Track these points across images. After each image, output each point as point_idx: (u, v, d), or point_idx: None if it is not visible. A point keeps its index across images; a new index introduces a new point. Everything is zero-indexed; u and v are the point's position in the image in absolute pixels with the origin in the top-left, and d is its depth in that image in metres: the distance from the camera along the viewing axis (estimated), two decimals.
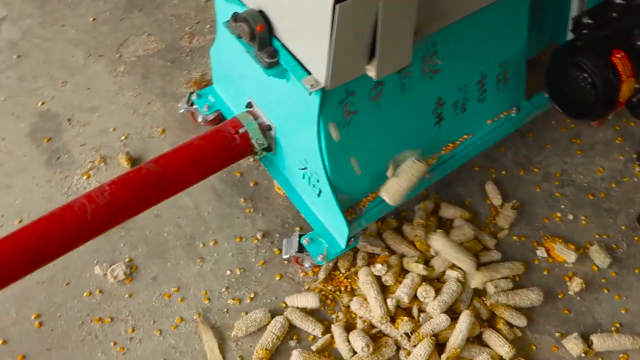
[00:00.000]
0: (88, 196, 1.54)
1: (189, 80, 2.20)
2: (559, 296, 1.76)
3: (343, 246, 1.64)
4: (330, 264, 1.73)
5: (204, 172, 1.65)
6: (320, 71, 1.33)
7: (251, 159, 1.80)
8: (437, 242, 1.70)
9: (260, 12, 1.45)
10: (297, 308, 1.69)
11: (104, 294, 1.72)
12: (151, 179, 1.57)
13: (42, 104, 2.14)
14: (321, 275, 1.74)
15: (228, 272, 1.75)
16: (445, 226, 1.85)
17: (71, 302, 1.71)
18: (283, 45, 1.44)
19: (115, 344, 1.65)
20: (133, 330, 1.67)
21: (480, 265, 1.73)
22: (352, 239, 1.65)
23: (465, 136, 1.81)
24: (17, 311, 1.69)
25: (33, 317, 1.69)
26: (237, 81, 1.78)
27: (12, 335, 1.66)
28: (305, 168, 1.62)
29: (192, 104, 1.96)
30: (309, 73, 1.39)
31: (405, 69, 1.51)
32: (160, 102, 2.13)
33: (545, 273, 1.80)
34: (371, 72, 1.36)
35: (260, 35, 1.43)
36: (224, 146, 1.66)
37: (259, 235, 1.81)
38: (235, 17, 1.47)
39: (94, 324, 1.68)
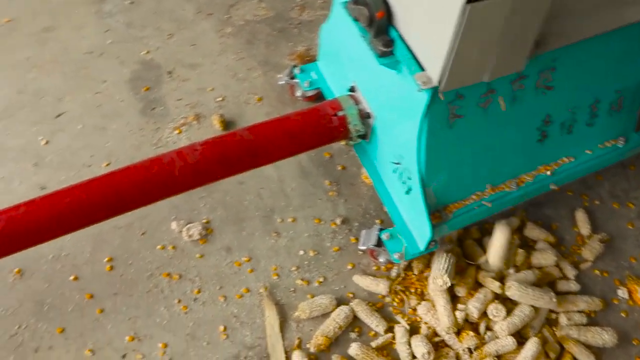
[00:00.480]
0: (179, 152, 1.54)
1: (292, 53, 2.18)
2: (634, 342, 1.69)
3: (422, 248, 1.61)
4: (404, 264, 1.70)
5: (296, 148, 1.64)
6: (435, 70, 1.29)
7: (343, 143, 1.77)
8: (514, 292, 1.64)
9: None
10: (364, 302, 1.66)
11: (176, 251, 1.72)
12: (243, 146, 1.56)
13: (147, 53, 2.16)
14: (393, 272, 1.71)
15: (301, 252, 1.74)
16: (528, 246, 1.79)
17: (144, 252, 1.72)
18: (400, 36, 1.40)
19: (179, 301, 1.65)
20: (199, 291, 1.67)
21: (556, 294, 1.67)
22: (433, 243, 1.61)
23: (566, 159, 1.74)
24: (91, 251, 1.71)
25: (105, 259, 1.70)
26: (343, 63, 1.75)
27: (84, 274, 1.68)
28: (398, 163, 1.59)
29: (293, 77, 1.94)
30: (422, 69, 1.35)
31: (520, 80, 1.46)
32: (261, 69, 2.12)
33: (623, 315, 1.73)
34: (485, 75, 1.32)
35: (379, 22, 1.39)
36: (320, 126, 1.64)
37: (338, 221, 1.79)
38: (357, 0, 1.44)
39: (162, 277, 1.68)
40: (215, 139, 1.56)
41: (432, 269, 1.65)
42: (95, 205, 1.46)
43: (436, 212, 1.63)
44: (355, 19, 1.46)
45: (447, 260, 1.62)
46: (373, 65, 1.47)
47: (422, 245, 1.61)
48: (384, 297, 1.68)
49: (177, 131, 1.94)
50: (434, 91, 1.34)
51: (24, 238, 1.46)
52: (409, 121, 1.46)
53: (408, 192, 1.60)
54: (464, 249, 1.75)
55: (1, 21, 2.26)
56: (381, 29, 1.41)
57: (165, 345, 1.59)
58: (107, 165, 1.87)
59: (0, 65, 2.13)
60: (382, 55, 1.41)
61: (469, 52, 1.24)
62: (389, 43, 1.40)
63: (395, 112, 1.55)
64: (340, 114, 1.64)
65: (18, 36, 2.21)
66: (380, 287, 1.67)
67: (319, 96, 1.93)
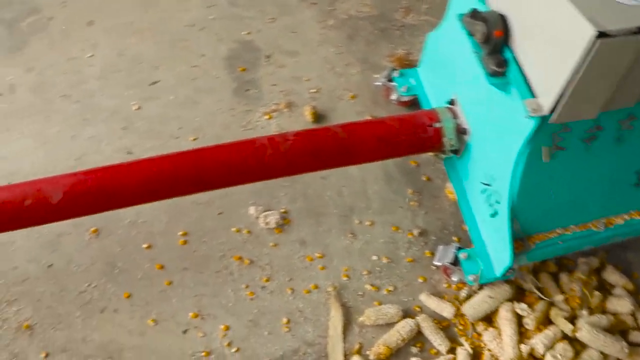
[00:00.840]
0: (270, 139, 1.53)
1: (391, 55, 2.16)
2: None
3: (498, 275, 1.57)
4: (477, 287, 1.66)
5: (387, 153, 1.61)
6: (548, 99, 1.25)
7: (432, 154, 1.74)
8: (585, 335, 1.58)
9: (502, 17, 1.37)
10: (430, 318, 1.63)
11: (251, 235, 1.72)
12: (336, 143, 1.55)
13: (248, 33, 2.16)
14: (463, 293, 1.67)
15: (374, 257, 1.71)
16: (605, 289, 1.73)
17: (219, 232, 1.71)
18: (514, 58, 1.36)
19: (247, 286, 1.64)
20: (268, 280, 1.66)
21: (628, 344, 1.61)
22: (511, 271, 1.56)
23: None
24: (167, 223, 1.72)
25: (180, 233, 1.71)
26: (445, 74, 1.72)
27: (158, 244, 1.69)
28: (488, 184, 1.55)
29: (390, 80, 1.92)
30: (534, 95, 1.31)
31: (630, 121, 1.41)
32: (359, 66, 2.10)
33: None
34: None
35: (495, 40, 1.36)
36: (415, 135, 1.61)
37: (415, 232, 1.76)
38: (475, 14, 1.40)
39: (233, 260, 1.68)
40: (308, 131, 1.55)
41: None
42: (181, 179, 1.47)
43: (519, 241, 1.59)
44: (470, 34, 1.42)
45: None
46: (479, 82, 1.43)
47: (499, 271, 1.57)
48: None
49: (267, 116, 1.93)
50: (542, 120, 1.30)
51: (108, 200, 1.47)
52: (509, 145, 1.42)
53: (494, 215, 1.56)
54: (538, 281, 1.70)
55: None
56: (496, 48, 1.37)
57: (227, 328, 1.58)
58: (194, 139, 1.87)
59: (105, 26, 2.15)
60: (492, 74, 1.38)
61: (588, 87, 1.19)
62: (502, 63, 1.37)
63: (495, 133, 1.51)
64: (436, 125, 1.61)
65: (123, 0, 2.23)
66: (445, 311, 1.64)
67: (413, 103, 1.90)
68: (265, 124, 1.93)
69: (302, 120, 1.93)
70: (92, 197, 1.45)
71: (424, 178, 1.86)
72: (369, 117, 1.94)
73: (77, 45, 2.17)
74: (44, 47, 2.18)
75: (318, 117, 1.94)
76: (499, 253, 1.57)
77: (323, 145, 1.55)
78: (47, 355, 1.53)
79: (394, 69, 1.93)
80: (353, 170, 1.83)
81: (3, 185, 1.45)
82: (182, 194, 1.51)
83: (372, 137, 1.59)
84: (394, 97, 1.93)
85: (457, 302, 1.66)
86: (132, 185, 1.46)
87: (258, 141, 1.52)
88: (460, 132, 1.62)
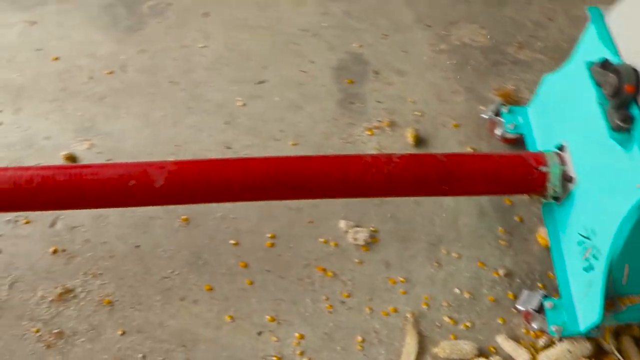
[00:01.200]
0: (375, 158, 1.53)
1: (499, 89, 2.13)
2: None
3: (582, 330, 1.53)
4: (557, 338, 1.63)
5: (489, 189, 1.60)
6: None
7: (530, 196, 1.71)
8: None
9: (636, 71, 1.34)
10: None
11: (337, 249, 1.72)
12: (440, 172, 1.54)
13: (360, 46, 2.16)
14: (541, 342, 1.64)
15: (457, 290, 1.69)
16: None
17: (306, 240, 1.72)
18: None
19: (326, 299, 1.64)
20: (348, 295, 1.65)
21: None
22: (596, 329, 1.52)
23: None
24: (257, 223, 1.74)
25: (268, 235, 1.72)
26: (558, 118, 1.69)
27: (245, 242, 1.71)
28: (587, 237, 1.51)
29: (498, 115, 1.89)
30: None
31: None
32: (465, 95, 2.08)
33: None
34: None
35: (625, 95, 1.33)
36: (519, 175, 1.59)
37: (501, 272, 1.73)
38: (606, 64, 1.37)
39: (316, 270, 1.68)
40: (413, 156, 1.55)
41: None
42: (282, 183, 1.48)
43: (609, 299, 1.55)
44: (598, 84, 1.39)
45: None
46: (597, 134, 1.41)
47: (584, 326, 1.53)
48: None
49: (368, 132, 1.93)
50: None
51: (208, 193, 1.49)
52: (618, 203, 1.38)
53: (588, 269, 1.52)
54: (619, 343, 1.65)
55: None
56: (624, 103, 1.34)
57: (301, 337, 1.59)
58: (294, 144, 1.89)
59: (220, 19, 2.19)
60: (616, 129, 1.34)
61: None
62: (628, 119, 1.33)
63: (604, 187, 1.47)
64: (542, 169, 1.58)
65: None
66: (521, 357, 1.60)
67: (517, 141, 1.87)
68: (366, 139, 1.93)
69: (402, 142, 1.92)
70: (193, 187, 1.48)
71: (516, 218, 1.83)
72: (469, 149, 1.92)
73: (190, 34, 2.21)
74: (159, 32, 2.22)
75: (419, 140, 1.93)
76: (587, 308, 1.54)
77: (427, 173, 1.54)
78: (123, 333, 1.56)
79: (502, 104, 1.90)
80: (447, 200, 1.82)
81: (110, 163, 1.48)
82: (280, 198, 1.53)
83: (477, 172, 1.57)
84: (498, 132, 1.91)
85: (534, 349, 1.63)
86: (233, 182, 1.48)
87: (364, 158, 1.52)
88: (566, 179, 1.59)
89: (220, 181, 1.47)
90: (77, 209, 1.55)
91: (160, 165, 1.47)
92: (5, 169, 1.47)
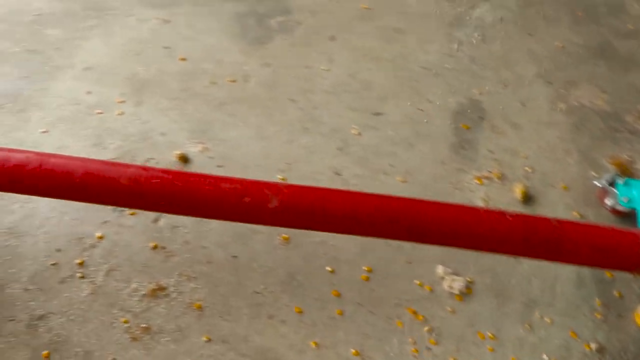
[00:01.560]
0: (489, 212, 1.52)
1: (614, 157, 2.10)
2: None
3: None
4: None
5: (596, 263, 1.56)
6: None
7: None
8: None
9: None
10: None
11: (431, 294, 1.72)
12: (550, 238, 1.52)
13: (480, 93, 2.16)
14: None
15: (545, 357, 1.67)
16: None
17: (401, 281, 1.73)
18: None
19: (413, 342, 1.65)
20: (435, 342, 1.65)
21: None
22: None
23: None
24: (356, 254, 1.76)
25: (365, 268, 1.74)
26: None
27: (340, 271, 1.74)
28: None
29: (612, 185, 1.86)
30: None
31: None
32: (577, 158, 2.06)
33: None
34: None
35: None
36: (627, 251, 1.55)
37: (593, 346, 1.70)
38: None
39: (406, 311, 1.69)
40: (527, 217, 1.53)
41: None
42: (394, 225, 1.48)
43: None
44: None
45: None
46: None
47: None
48: None
49: (478, 181, 1.93)
50: None
51: (318, 222, 1.50)
52: None
53: None
54: None
55: (360, 5, 2.35)
56: None
57: None
58: (402, 181, 1.90)
59: (345, 45, 2.23)
60: None
61: None
62: None
63: None
64: None
65: (369, 25, 2.31)
66: None
67: (628, 215, 1.83)
68: (474, 188, 1.92)
69: (510, 196, 1.91)
70: (306, 214, 1.49)
71: (616, 293, 1.80)
72: (576, 214, 1.90)
73: (314, 55, 2.25)
74: (285, 48, 2.27)
75: (527, 197, 1.92)
76: None
77: (538, 236, 1.53)
78: (208, 340, 1.60)
79: (618, 175, 1.87)
80: (546, 263, 1.79)
81: (227, 177, 1.51)
82: (390, 238, 1.53)
83: (586, 243, 1.55)
84: (609, 202, 1.88)
85: None
86: (347, 215, 1.49)
87: (479, 212, 1.51)
88: None
89: (336, 212, 1.48)
90: (188, 215, 1.59)
91: (277, 187, 1.49)
92: (128, 165, 1.53)
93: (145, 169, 1.51)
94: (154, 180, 1.47)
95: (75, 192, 1.45)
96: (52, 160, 1.45)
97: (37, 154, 1.46)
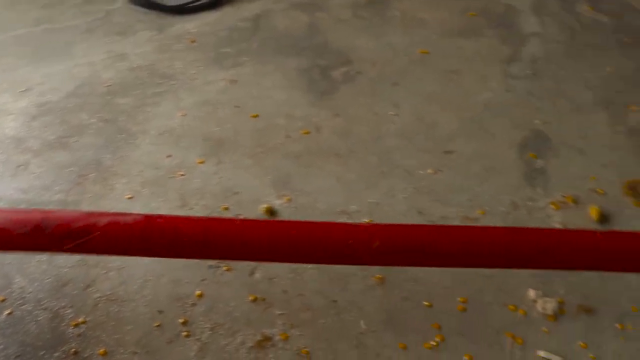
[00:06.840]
0: (580, 233, 1.59)
1: None
2: None
3: None
4: None
5: None
6: None
7: None
8: None
9: None
10: None
11: (525, 318, 1.79)
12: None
13: (542, 123, 2.25)
14: None
15: None
16: None
17: (495, 306, 1.81)
18: None
19: None
20: None
21: None
22: None
23: None
24: (449, 287, 1.84)
25: (459, 299, 1.81)
26: None
27: (437, 304, 1.81)
28: None
29: None
30: None
31: None
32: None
33: None
34: None
35: None
36: None
37: None
38: None
39: (506, 337, 1.75)
40: (615, 233, 1.60)
41: None
42: (493, 254, 1.56)
43: None
44: None
45: None
46: None
47: None
48: None
49: (553, 206, 2.01)
50: None
51: (418, 259, 1.59)
52: None
53: None
54: None
55: (417, 50, 2.47)
56: None
57: None
58: (481, 213, 1.98)
59: (408, 90, 2.35)
60: None
61: None
62: None
63: None
64: None
65: (427, 70, 2.42)
66: None
67: None
68: (551, 213, 2.01)
69: (586, 218, 1.99)
70: (407, 250, 1.58)
71: None
72: None
73: (380, 102, 2.37)
74: (351, 97, 2.39)
75: (603, 218, 2.00)
76: None
77: (630, 249, 1.60)
78: None
79: None
80: (631, 276, 1.86)
81: (330, 222, 1.60)
82: (488, 267, 1.60)
83: None
84: None
85: None
86: (446, 249, 1.57)
87: (573, 232, 1.59)
88: None
89: (433, 247, 1.56)
90: (302, 262, 1.66)
91: (376, 227, 1.58)
92: (226, 220, 1.60)
93: (259, 222, 1.60)
94: (274, 231, 1.55)
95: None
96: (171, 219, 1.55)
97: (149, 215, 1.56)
